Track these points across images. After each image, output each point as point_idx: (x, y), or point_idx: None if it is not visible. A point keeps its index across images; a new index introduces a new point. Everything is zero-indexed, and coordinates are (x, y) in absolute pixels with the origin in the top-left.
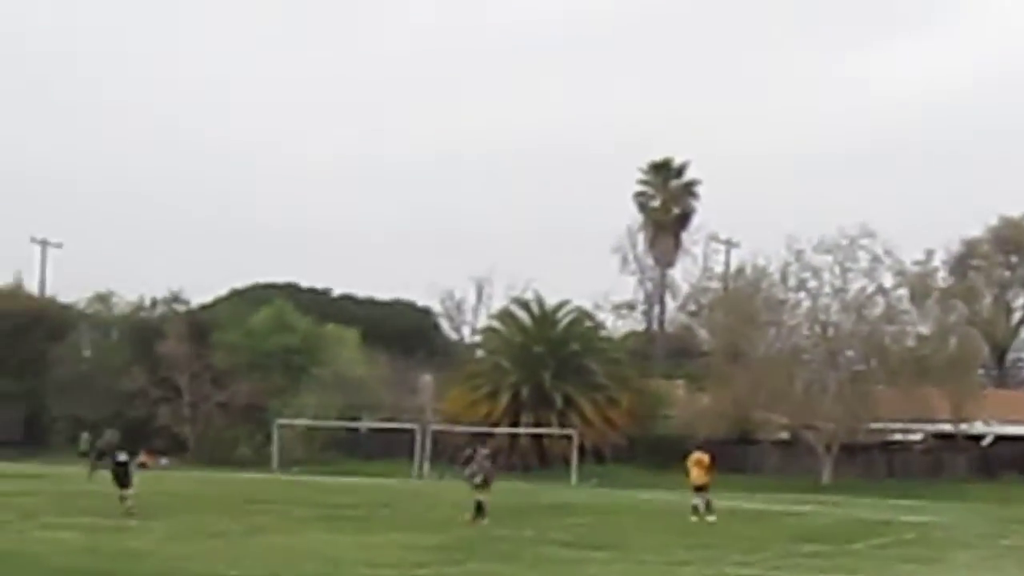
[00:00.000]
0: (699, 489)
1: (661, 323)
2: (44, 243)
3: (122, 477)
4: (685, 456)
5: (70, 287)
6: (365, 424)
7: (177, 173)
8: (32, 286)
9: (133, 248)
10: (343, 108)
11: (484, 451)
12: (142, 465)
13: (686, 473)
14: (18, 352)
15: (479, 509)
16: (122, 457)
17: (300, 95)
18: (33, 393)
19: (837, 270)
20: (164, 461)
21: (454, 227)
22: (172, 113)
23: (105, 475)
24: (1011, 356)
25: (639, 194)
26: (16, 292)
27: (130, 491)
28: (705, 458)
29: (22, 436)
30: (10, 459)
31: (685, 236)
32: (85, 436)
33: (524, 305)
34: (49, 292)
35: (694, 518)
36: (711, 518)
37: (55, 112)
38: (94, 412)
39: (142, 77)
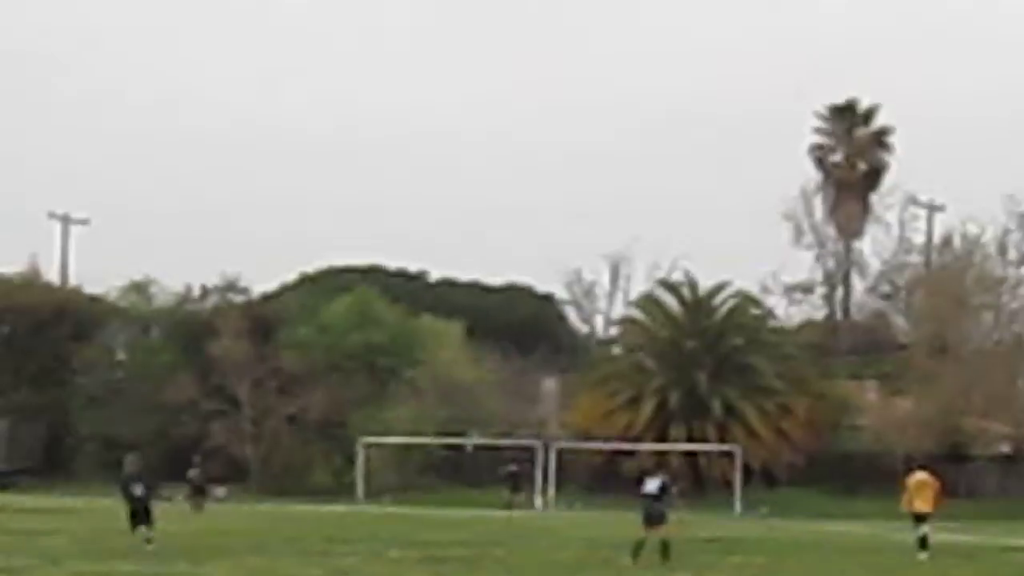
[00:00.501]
0: (920, 519)
1: (846, 309)
2: (66, 219)
3: (141, 515)
4: (905, 474)
5: (99, 274)
6: (472, 441)
7: (230, 133)
8: (51, 273)
9: (176, 225)
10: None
11: (660, 479)
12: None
13: (902, 498)
14: (36, 356)
15: (664, 550)
16: (139, 491)
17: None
18: (55, 407)
19: None
20: (220, 491)
21: (582, 193)
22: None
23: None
24: None
25: (816, 147)
26: (32, 281)
27: (151, 532)
28: (932, 481)
29: (43, 460)
30: (29, 489)
31: (875, 199)
32: (197, 460)
33: (672, 288)
34: (73, 281)
35: (923, 555)
36: (922, 555)
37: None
38: (130, 430)
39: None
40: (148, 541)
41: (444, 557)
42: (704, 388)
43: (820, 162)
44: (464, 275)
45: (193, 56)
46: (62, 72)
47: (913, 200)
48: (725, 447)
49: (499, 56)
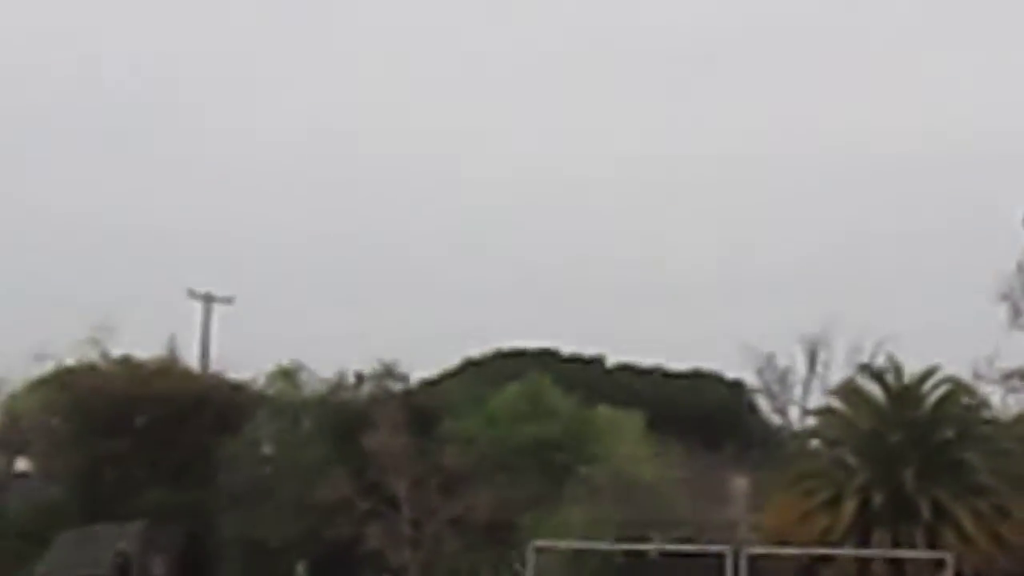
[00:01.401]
0: None
1: None
2: (208, 299)
3: None
4: None
5: (243, 359)
6: (655, 547)
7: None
8: (191, 358)
9: (327, 305)
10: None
11: None
12: None
13: None
14: (175, 450)
15: None
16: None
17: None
18: (196, 508)
19: None
20: None
21: (773, 266)
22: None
23: None
24: None
25: None
26: (170, 366)
27: None
28: None
29: (181, 567)
30: None
31: None
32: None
33: (875, 375)
34: (215, 366)
35: None
36: None
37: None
38: (278, 532)
39: None
40: None
41: None
42: (911, 487)
43: None
44: (645, 360)
45: None
46: (202, 136)
47: None
48: (936, 554)
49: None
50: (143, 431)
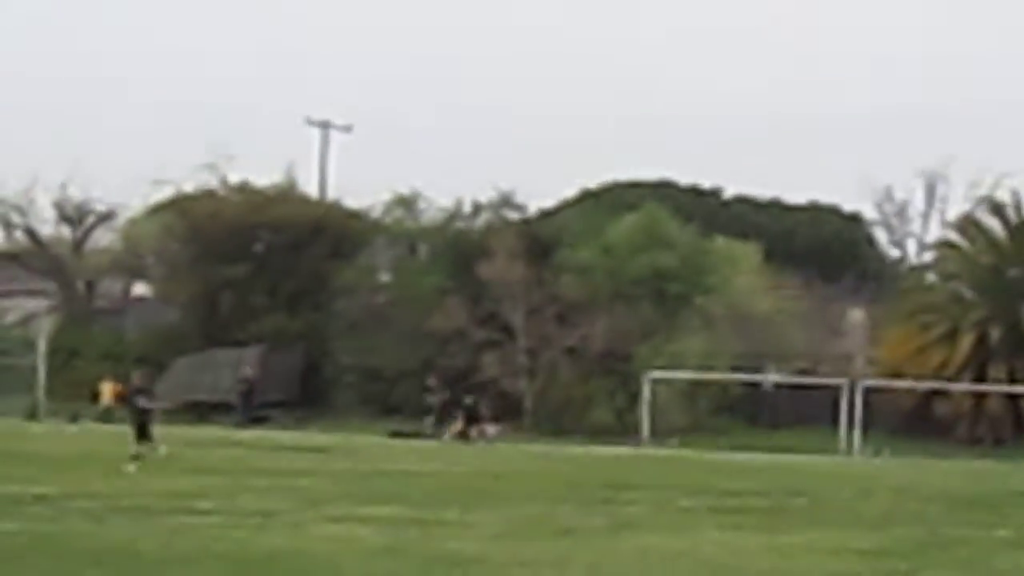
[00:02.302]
0: None
1: None
2: (326, 126)
3: (141, 429)
4: None
5: (361, 187)
6: (771, 378)
7: (507, 27)
8: (309, 185)
9: (445, 133)
10: None
11: None
12: (461, 435)
13: None
14: (292, 277)
15: None
16: (142, 403)
17: None
18: (312, 334)
19: None
20: (493, 429)
21: (895, 103)
22: None
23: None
24: None
25: None
26: (288, 194)
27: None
28: None
29: (298, 392)
30: (284, 425)
31: None
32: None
33: (996, 209)
34: (332, 194)
35: None
36: None
37: None
38: (393, 360)
39: None
40: (135, 457)
41: (739, 507)
42: None
43: None
44: (762, 192)
45: None
46: None
47: None
48: None
49: None
50: (260, 257)
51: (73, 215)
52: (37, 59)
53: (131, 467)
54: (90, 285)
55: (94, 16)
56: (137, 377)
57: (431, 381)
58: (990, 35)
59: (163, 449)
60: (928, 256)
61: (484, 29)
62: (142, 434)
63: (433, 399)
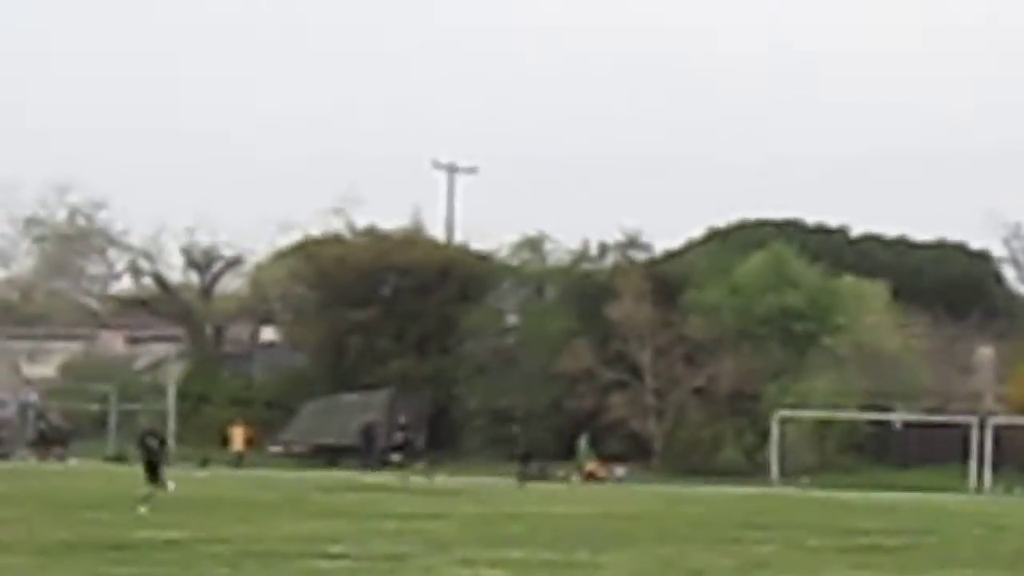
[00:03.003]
0: None
1: None
2: (452, 169)
3: (151, 470)
4: None
5: (487, 229)
6: (899, 417)
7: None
8: (436, 228)
9: (571, 174)
10: None
11: None
12: (590, 476)
13: None
14: (419, 320)
15: None
16: (153, 444)
17: None
18: (440, 377)
19: None
20: (621, 471)
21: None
22: None
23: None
24: None
25: None
26: (415, 237)
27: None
28: None
29: (427, 436)
30: (413, 468)
31: None
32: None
33: None
34: (459, 237)
35: None
36: None
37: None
38: (522, 402)
39: None
40: (145, 499)
41: (870, 546)
42: None
43: None
44: (889, 231)
45: None
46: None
47: None
48: None
49: None
50: (388, 301)
51: (201, 261)
52: (166, 111)
53: (143, 509)
54: (218, 330)
55: (223, 69)
56: (146, 421)
57: (402, 419)
58: None
59: (171, 485)
60: None
61: (606, 70)
62: (152, 475)
63: (401, 437)
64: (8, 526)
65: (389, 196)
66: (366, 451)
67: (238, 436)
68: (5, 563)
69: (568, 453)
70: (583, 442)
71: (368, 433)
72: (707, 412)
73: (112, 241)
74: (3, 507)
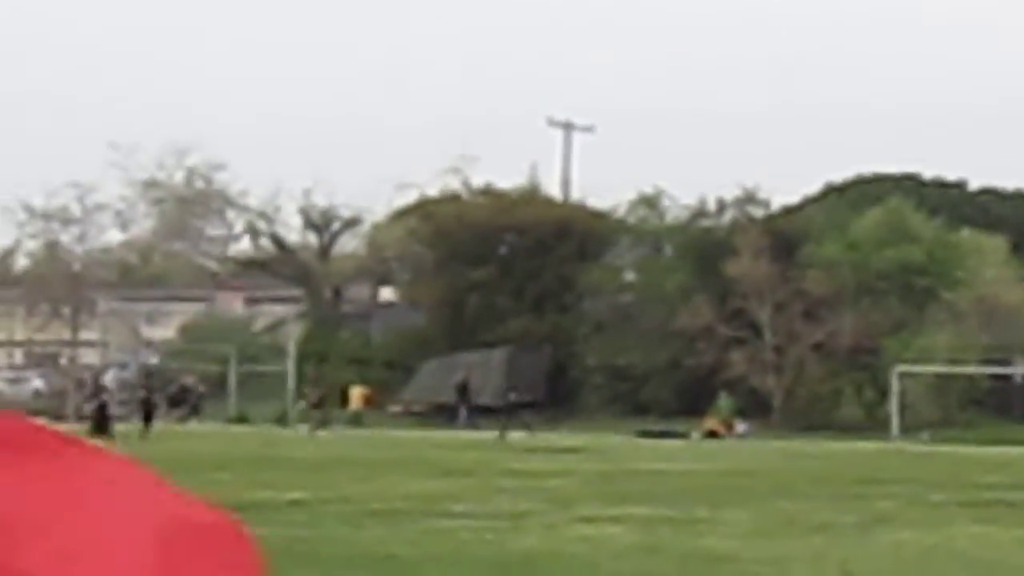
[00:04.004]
0: None
1: None
2: (568, 127)
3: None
4: None
5: (604, 187)
6: (1020, 371)
7: (743, 22)
8: (552, 187)
9: (687, 131)
10: None
11: None
12: (711, 434)
13: None
14: (537, 279)
15: None
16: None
17: None
18: (558, 335)
19: None
20: (742, 427)
21: None
22: None
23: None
24: None
25: None
26: (531, 195)
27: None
28: None
29: (546, 393)
30: (532, 426)
31: None
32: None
33: None
34: (576, 195)
35: None
36: None
37: None
38: (640, 359)
39: None
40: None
41: (993, 501)
42: None
43: None
44: (1008, 184)
45: None
46: None
47: None
48: None
49: None
50: (505, 260)
51: (319, 222)
52: (284, 73)
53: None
54: (337, 291)
55: (338, 33)
56: (98, 379)
57: (311, 374)
58: None
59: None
60: None
61: (724, 27)
62: (101, 430)
63: (311, 393)
64: None
65: (506, 155)
66: (461, 408)
67: (357, 396)
68: None
69: (689, 410)
70: (723, 399)
71: (462, 390)
72: (826, 368)
73: (230, 203)
74: None
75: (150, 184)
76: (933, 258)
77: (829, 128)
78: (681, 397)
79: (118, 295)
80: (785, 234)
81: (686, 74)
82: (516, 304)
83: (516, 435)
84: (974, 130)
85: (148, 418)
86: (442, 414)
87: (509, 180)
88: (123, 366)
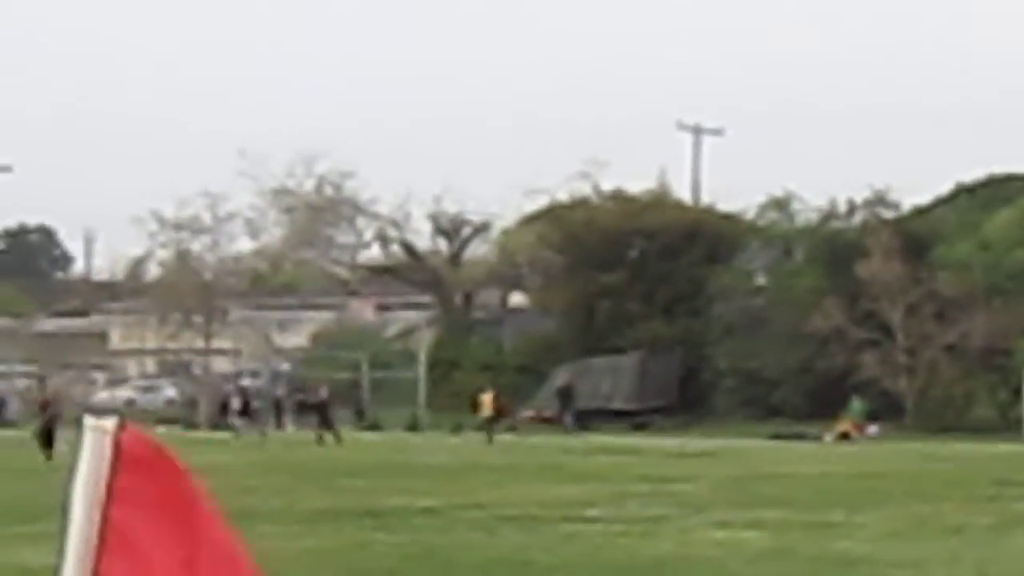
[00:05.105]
0: None
1: None
2: (697, 131)
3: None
4: None
5: (734, 190)
6: None
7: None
8: (682, 190)
9: (816, 132)
10: None
11: None
12: (844, 436)
13: None
14: (667, 283)
15: None
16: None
17: None
18: (689, 339)
19: None
20: (873, 428)
21: None
22: None
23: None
24: None
25: None
26: (661, 199)
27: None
28: None
29: (677, 397)
30: (663, 430)
31: None
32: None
33: None
34: (706, 198)
35: None
36: None
37: None
38: (772, 362)
39: None
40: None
41: None
42: None
43: None
44: None
45: None
46: None
47: None
48: None
49: None
50: (636, 264)
51: (449, 228)
52: (411, 81)
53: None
54: (467, 296)
55: (467, 42)
56: (47, 391)
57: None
58: None
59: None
60: None
61: (852, 28)
62: (47, 442)
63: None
64: (268, 495)
65: (635, 159)
66: (563, 413)
67: (487, 402)
68: (267, 531)
69: (821, 412)
70: (855, 401)
71: (566, 394)
72: (959, 369)
73: (360, 210)
74: (262, 476)
75: (280, 192)
76: None
77: (960, 128)
78: (813, 400)
79: (249, 303)
80: (916, 235)
81: (815, 75)
82: (647, 308)
83: (638, 440)
84: None
85: (326, 424)
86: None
87: (639, 184)
88: (255, 374)
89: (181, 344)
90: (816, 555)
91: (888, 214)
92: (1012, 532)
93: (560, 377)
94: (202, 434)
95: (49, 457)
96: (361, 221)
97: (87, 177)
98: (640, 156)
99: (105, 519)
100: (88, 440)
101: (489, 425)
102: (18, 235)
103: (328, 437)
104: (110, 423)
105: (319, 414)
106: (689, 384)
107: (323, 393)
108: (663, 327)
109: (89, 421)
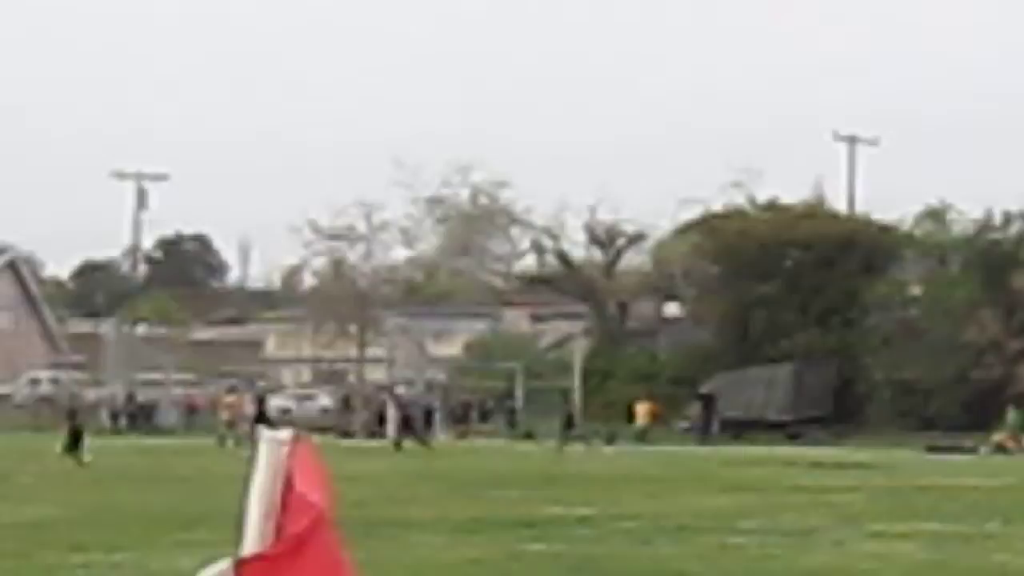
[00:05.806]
0: None
1: None
2: (852, 141)
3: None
4: None
5: (889, 200)
6: None
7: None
8: (838, 200)
9: (973, 142)
10: None
11: None
12: (1000, 448)
13: None
14: (822, 293)
15: None
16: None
17: None
18: (844, 349)
19: None
20: None
21: None
22: None
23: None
24: None
25: None
26: (816, 210)
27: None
28: None
29: (832, 408)
30: (818, 441)
31: None
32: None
33: None
34: (861, 208)
35: None
36: None
37: None
38: (927, 373)
39: None
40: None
41: None
42: None
43: None
44: None
45: None
46: None
47: None
48: None
49: None
50: (790, 275)
51: (603, 238)
52: (569, 89)
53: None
54: (622, 306)
55: (611, 48)
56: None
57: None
58: None
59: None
60: None
61: (1006, 32)
62: (75, 445)
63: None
64: (422, 504)
65: (790, 169)
66: (703, 424)
67: (643, 412)
68: (422, 540)
69: (976, 424)
70: (1012, 413)
71: (706, 405)
72: None
73: (515, 219)
74: (416, 485)
75: (435, 202)
76: None
77: None
78: (968, 411)
79: (404, 312)
80: None
81: (970, 84)
82: (801, 319)
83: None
84: None
85: (411, 431)
86: (727, 430)
87: (793, 194)
88: (409, 383)
89: (336, 353)
90: (972, 567)
91: None
92: None
93: (706, 386)
94: (357, 442)
95: (80, 462)
96: (516, 231)
97: (243, 186)
98: (795, 166)
99: (279, 528)
100: (264, 451)
101: (643, 434)
102: (174, 244)
103: (409, 443)
104: (285, 435)
105: (404, 421)
106: (844, 395)
107: (423, 402)
108: (818, 338)
109: (265, 433)
